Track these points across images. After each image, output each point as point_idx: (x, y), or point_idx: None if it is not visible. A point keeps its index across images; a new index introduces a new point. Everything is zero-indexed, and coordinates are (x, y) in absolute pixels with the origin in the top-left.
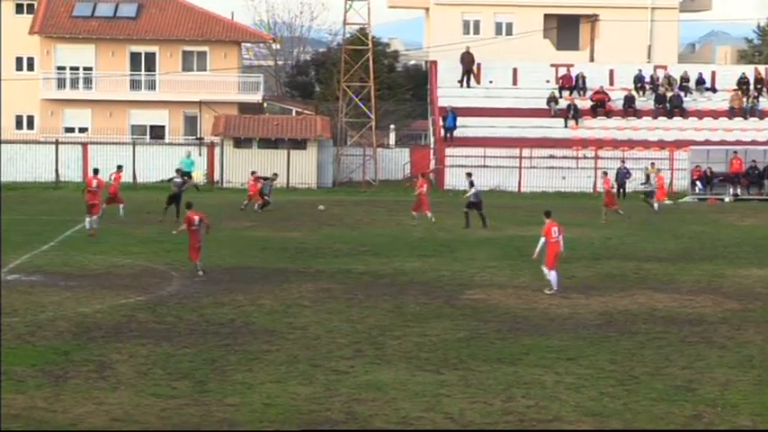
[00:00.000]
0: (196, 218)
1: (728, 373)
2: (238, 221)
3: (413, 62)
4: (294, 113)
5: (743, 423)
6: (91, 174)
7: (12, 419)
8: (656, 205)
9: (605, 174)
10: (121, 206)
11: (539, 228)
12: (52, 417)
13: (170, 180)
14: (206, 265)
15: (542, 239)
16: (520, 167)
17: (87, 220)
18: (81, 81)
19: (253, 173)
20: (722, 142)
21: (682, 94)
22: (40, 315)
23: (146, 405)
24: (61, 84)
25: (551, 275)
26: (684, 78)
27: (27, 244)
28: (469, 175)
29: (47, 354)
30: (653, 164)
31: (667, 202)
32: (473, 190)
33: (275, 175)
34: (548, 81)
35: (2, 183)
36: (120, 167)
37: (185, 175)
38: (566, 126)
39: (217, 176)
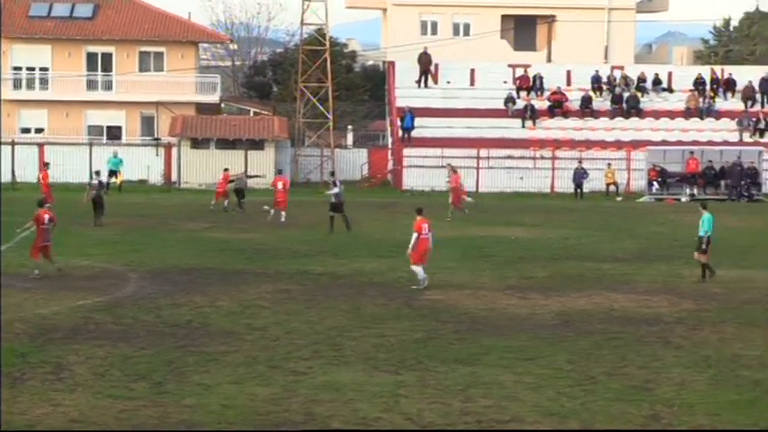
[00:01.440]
0: (46, 216)
1: (685, 372)
2: (196, 222)
3: (370, 63)
4: (252, 114)
5: (699, 422)
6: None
7: None
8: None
9: (454, 171)
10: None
11: (498, 228)
12: (9, 418)
13: (88, 184)
14: (162, 265)
15: (414, 235)
16: (477, 168)
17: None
18: (37, 81)
19: (225, 170)
20: (679, 142)
21: (639, 94)
22: None
23: (103, 406)
24: (17, 84)
25: (418, 270)
26: (641, 79)
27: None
28: (332, 174)
29: (4, 355)
30: (609, 164)
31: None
32: (335, 190)
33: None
34: (505, 82)
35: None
36: (47, 164)
37: (112, 174)
38: (523, 126)
39: (174, 177)
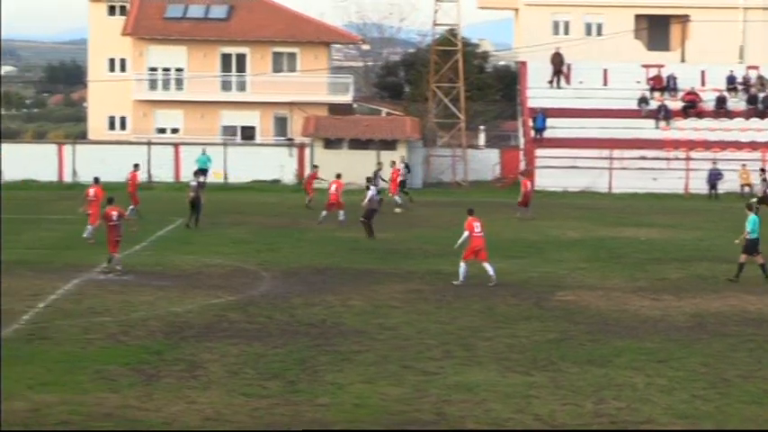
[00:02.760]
0: (114, 213)
1: None
2: (328, 222)
3: (502, 63)
4: (384, 114)
5: None
6: (92, 182)
7: (104, 418)
8: None
9: (393, 162)
10: (130, 207)
11: (629, 229)
12: (144, 416)
13: (188, 185)
14: (296, 265)
15: (465, 233)
16: (610, 168)
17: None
18: (173, 82)
19: (338, 176)
20: None
21: None
22: (132, 314)
23: (237, 404)
24: (153, 85)
25: (463, 266)
26: None
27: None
28: (372, 177)
29: (139, 353)
30: (744, 165)
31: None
32: (369, 193)
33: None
34: (638, 82)
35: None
36: (136, 166)
37: (201, 172)
38: (656, 127)
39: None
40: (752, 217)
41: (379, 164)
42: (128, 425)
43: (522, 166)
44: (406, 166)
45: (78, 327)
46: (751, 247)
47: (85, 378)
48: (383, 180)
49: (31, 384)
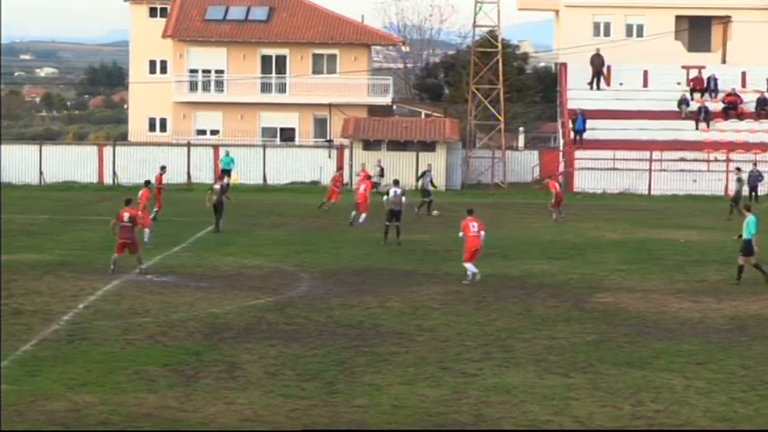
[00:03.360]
0: (126, 215)
1: None
2: (369, 224)
3: (542, 64)
4: (423, 116)
5: None
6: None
7: (143, 418)
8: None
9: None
10: (154, 209)
11: (670, 231)
12: (183, 416)
13: (210, 189)
14: (334, 266)
15: (461, 234)
16: (650, 170)
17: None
18: (213, 84)
19: (369, 177)
20: None
21: None
22: (171, 315)
23: (275, 405)
24: (193, 87)
25: (468, 266)
26: None
27: (160, 245)
28: (396, 182)
29: (178, 354)
30: None
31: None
32: (392, 192)
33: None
34: (678, 83)
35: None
36: (163, 168)
37: (225, 173)
38: (697, 128)
39: (346, 179)
40: (751, 218)
41: (429, 165)
42: (167, 425)
43: (562, 167)
44: (381, 170)
45: (118, 327)
46: (745, 247)
47: (125, 378)
48: (432, 184)
49: (71, 385)
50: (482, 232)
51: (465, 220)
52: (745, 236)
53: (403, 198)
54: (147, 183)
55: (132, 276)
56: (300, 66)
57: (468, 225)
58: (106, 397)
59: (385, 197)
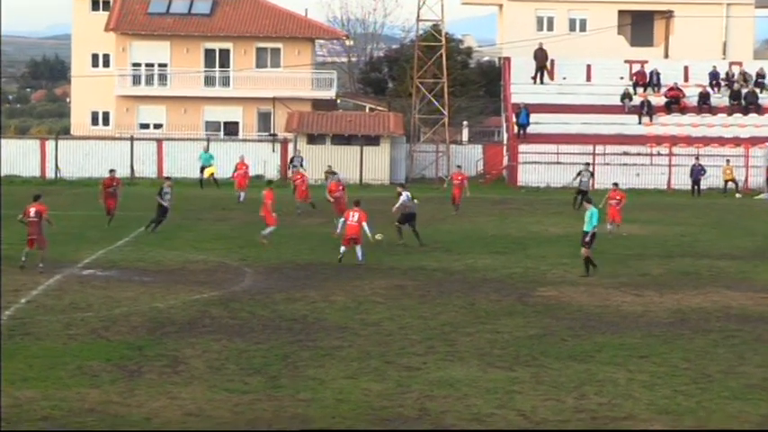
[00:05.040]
0: (32, 210)
1: None
2: (312, 218)
3: (486, 59)
4: (367, 110)
5: None
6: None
7: (86, 413)
8: None
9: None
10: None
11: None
12: (126, 411)
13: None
14: (278, 261)
15: (341, 220)
16: (593, 164)
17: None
18: (156, 78)
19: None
20: None
21: (757, 90)
22: (114, 310)
23: (219, 400)
24: (136, 80)
25: (342, 249)
26: (760, 75)
27: (102, 240)
28: (402, 184)
29: (121, 348)
30: (728, 161)
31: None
32: (402, 198)
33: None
34: (621, 77)
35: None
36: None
37: (203, 169)
38: (640, 123)
39: (290, 173)
40: (593, 210)
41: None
42: (110, 420)
43: (506, 161)
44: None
45: (60, 322)
46: (585, 238)
47: (67, 374)
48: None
49: (13, 380)
50: (363, 223)
51: (348, 209)
52: (586, 228)
53: (414, 201)
54: (270, 182)
55: (75, 271)
56: (244, 60)
57: (348, 214)
58: (48, 392)
59: (402, 201)
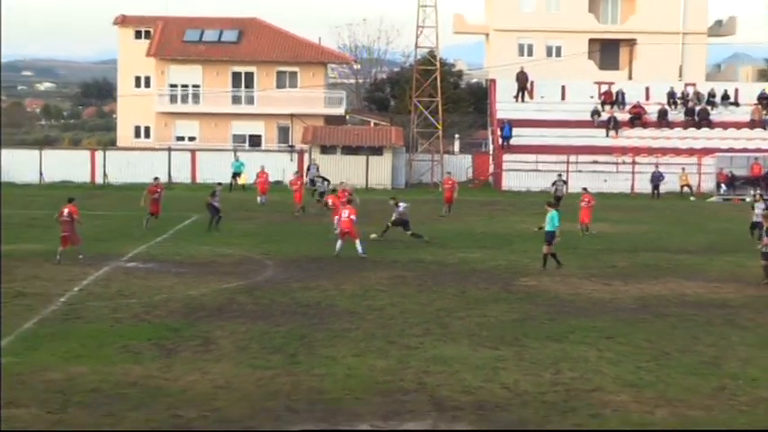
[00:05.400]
0: (65, 210)
1: (749, 350)
2: (326, 217)
3: (475, 80)
4: (372, 124)
5: (762, 394)
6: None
7: (130, 386)
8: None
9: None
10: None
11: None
12: (165, 384)
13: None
14: (296, 255)
15: (336, 218)
16: (567, 171)
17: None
18: (190, 97)
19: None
20: (744, 150)
21: (709, 108)
22: (154, 297)
23: (244, 375)
24: (173, 99)
25: (338, 245)
26: (711, 94)
27: (144, 236)
28: (393, 198)
29: (160, 330)
30: (683, 168)
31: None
32: (399, 209)
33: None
34: (591, 96)
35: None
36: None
37: (236, 176)
38: (607, 136)
39: (306, 179)
40: (553, 213)
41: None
42: (150, 392)
43: (491, 169)
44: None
45: (107, 307)
46: (548, 238)
47: (113, 352)
48: (324, 178)
49: (67, 357)
50: (352, 216)
51: (340, 209)
52: (548, 228)
53: (401, 205)
54: (334, 190)
55: (120, 263)
56: (266, 81)
57: (341, 211)
58: (97, 368)
59: (400, 211)
